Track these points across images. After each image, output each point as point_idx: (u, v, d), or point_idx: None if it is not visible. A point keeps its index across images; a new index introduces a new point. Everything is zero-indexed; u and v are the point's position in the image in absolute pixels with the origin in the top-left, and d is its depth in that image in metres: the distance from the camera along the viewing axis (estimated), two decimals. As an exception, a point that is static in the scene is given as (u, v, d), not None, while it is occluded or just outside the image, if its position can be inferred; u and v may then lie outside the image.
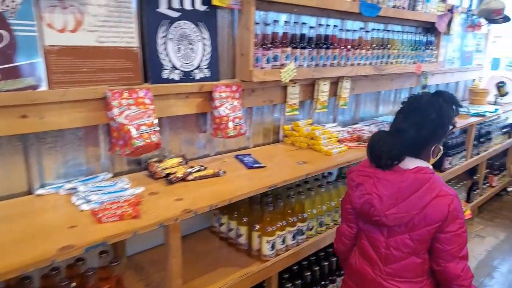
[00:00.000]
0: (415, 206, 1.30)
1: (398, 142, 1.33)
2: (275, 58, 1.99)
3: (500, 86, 4.03)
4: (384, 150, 1.33)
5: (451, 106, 1.37)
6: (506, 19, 3.50)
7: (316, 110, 2.39)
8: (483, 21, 3.78)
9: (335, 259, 2.13)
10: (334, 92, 2.53)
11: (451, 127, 1.38)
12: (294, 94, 2.23)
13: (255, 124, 2.19)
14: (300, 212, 1.84)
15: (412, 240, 1.34)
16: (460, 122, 3.14)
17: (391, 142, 1.33)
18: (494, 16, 3.50)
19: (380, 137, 1.38)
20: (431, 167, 1.38)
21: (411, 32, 2.97)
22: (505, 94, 4.05)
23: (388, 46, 2.71)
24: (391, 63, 2.75)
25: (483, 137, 3.61)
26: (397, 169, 1.34)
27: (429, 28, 3.22)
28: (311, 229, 1.89)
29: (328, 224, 2.05)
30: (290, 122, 2.33)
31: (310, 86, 2.36)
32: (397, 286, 1.39)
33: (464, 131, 3.37)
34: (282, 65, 2.02)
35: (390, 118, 3.11)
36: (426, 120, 1.32)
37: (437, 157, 1.42)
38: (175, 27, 1.67)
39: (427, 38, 3.12)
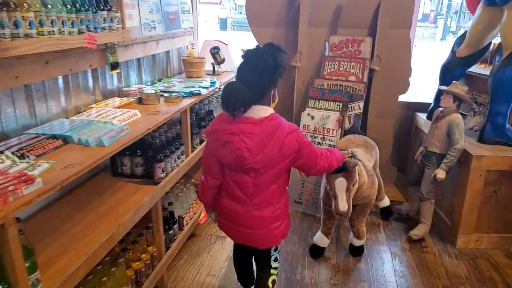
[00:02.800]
0: (275, 147, 1.58)
1: (247, 89, 1.53)
2: None
3: (214, 52, 3.49)
4: (238, 98, 1.53)
5: (280, 53, 1.60)
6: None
7: None
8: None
9: None
10: None
11: (283, 69, 1.61)
12: None
13: None
14: None
15: (274, 174, 1.67)
16: (168, 111, 2.32)
17: (242, 89, 1.53)
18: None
19: (232, 87, 1.57)
20: (273, 111, 1.64)
21: (62, -17, 1.83)
22: (222, 60, 3.55)
23: (13, 7, 1.51)
24: (26, 35, 1.58)
25: (206, 120, 2.96)
26: (252, 120, 1.56)
27: (101, -22, 2.18)
28: None
29: None
30: None
31: None
32: (263, 211, 1.72)
33: (178, 121, 2.60)
34: None
35: (66, 123, 1.79)
36: (266, 66, 1.55)
37: (276, 102, 1.70)
38: None
39: (98, -6, 2.07)
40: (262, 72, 1.55)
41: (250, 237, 1.78)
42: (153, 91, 2.51)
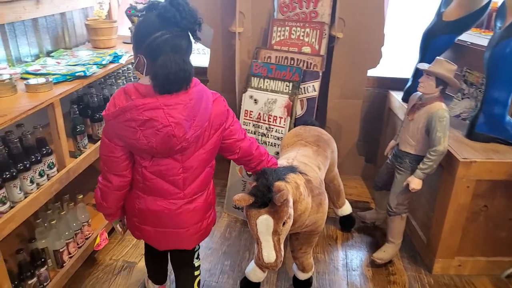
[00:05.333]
0: (204, 118, 1.32)
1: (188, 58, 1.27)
2: None
3: (131, 14, 2.65)
4: (187, 74, 1.23)
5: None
6: None
7: None
8: None
9: None
10: None
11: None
12: None
13: None
14: None
15: (206, 152, 1.40)
16: (15, 108, 1.55)
17: (187, 60, 1.24)
18: None
19: (173, 61, 1.19)
20: None
21: None
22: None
23: None
24: None
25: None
26: None
27: None
28: None
29: None
30: None
31: None
32: (197, 202, 1.45)
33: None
34: None
35: None
36: (189, 24, 1.24)
37: None
38: None
39: None
40: (187, 34, 1.26)
41: (180, 238, 1.49)
42: (4, 76, 1.72)
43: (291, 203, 1.47)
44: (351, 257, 2.26)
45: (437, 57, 1.91)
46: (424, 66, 1.92)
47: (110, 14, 2.88)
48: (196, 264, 1.68)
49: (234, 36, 2.62)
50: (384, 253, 2.17)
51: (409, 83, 2.51)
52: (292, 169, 1.65)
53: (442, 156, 1.89)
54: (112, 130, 1.30)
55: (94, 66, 2.07)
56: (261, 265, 1.45)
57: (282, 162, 1.83)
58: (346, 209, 2.43)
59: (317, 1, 2.42)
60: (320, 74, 2.39)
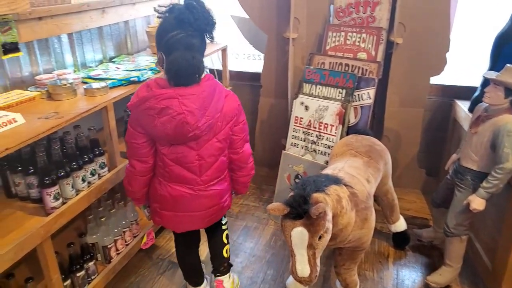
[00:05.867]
0: (216, 109, 1.45)
1: (200, 55, 1.40)
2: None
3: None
4: (195, 69, 1.37)
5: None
6: None
7: None
8: None
9: None
10: None
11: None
12: None
13: None
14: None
15: (220, 141, 1.52)
16: (71, 111, 1.66)
17: (197, 57, 1.36)
18: None
19: (183, 57, 1.33)
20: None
21: None
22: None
23: None
24: None
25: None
26: None
27: None
28: None
29: None
30: None
31: None
32: (214, 189, 1.58)
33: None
34: None
35: None
36: (205, 24, 1.37)
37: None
38: None
39: None
40: (201, 34, 1.40)
41: (198, 220, 1.64)
42: (67, 81, 1.85)
43: (329, 217, 1.40)
44: (403, 278, 2.10)
45: (508, 65, 1.71)
46: (492, 74, 1.74)
47: (171, 21, 2.99)
48: (224, 222, 1.85)
49: (288, 42, 2.59)
50: (440, 277, 1.99)
51: (477, 93, 2.28)
52: (335, 180, 1.57)
53: (510, 175, 1.69)
54: (135, 118, 1.45)
55: (149, 72, 2.16)
56: (295, 278, 1.39)
57: (328, 172, 1.76)
58: (400, 225, 2.27)
59: (374, 6, 2.31)
60: (376, 81, 2.27)
